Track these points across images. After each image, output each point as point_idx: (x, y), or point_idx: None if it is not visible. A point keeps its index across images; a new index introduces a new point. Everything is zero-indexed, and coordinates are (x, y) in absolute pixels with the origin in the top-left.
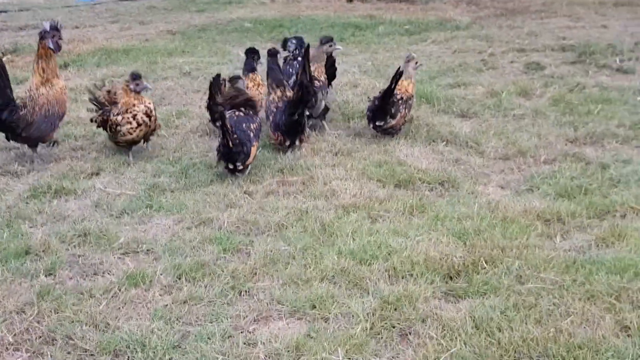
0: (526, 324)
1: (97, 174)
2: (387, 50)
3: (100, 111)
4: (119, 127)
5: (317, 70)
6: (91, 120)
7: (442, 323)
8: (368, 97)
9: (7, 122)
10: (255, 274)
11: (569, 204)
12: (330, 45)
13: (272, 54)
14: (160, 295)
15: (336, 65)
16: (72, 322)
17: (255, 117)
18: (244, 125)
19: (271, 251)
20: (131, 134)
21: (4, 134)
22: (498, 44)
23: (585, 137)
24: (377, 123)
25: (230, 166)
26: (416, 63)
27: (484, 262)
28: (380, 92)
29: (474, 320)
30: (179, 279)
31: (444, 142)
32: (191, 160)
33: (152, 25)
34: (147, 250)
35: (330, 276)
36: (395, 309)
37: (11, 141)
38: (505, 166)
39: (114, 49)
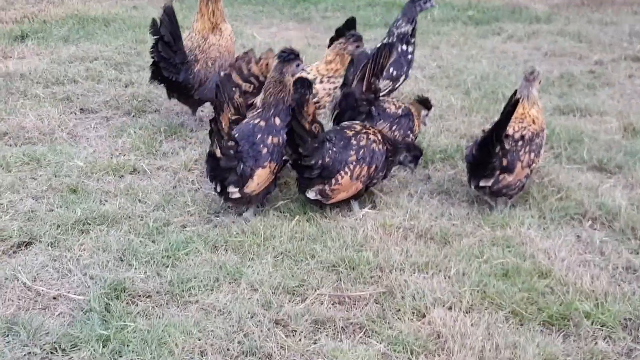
0: None
1: (29, 244)
2: (451, 45)
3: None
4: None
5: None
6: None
7: None
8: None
9: (184, 83)
10: None
11: None
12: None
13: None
14: None
15: None
16: None
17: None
18: (258, 136)
19: None
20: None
21: (169, 93)
22: (600, 47)
23: None
24: (480, 183)
25: (218, 188)
26: (540, 82)
27: None
28: (483, 131)
29: None
30: None
31: (590, 222)
32: (183, 230)
33: None
34: None
35: None
36: None
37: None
38: None
39: (90, 16)
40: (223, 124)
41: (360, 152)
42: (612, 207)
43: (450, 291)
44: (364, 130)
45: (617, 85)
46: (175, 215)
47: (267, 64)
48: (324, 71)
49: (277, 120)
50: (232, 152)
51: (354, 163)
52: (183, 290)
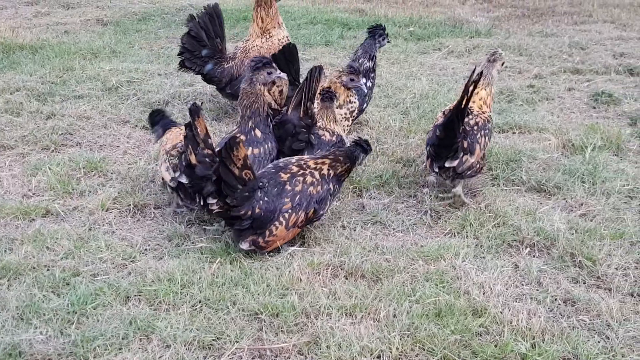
0: None
1: None
2: (391, 63)
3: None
4: None
5: None
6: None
7: None
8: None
9: (209, 76)
10: None
11: None
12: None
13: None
14: None
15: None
16: None
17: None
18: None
19: None
20: None
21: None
22: (540, 60)
23: None
24: (446, 164)
25: (202, 201)
26: (502, 64)
27: None
28: (444, 113)
29: None
30: None
31: (528, 249)
32: (94, 280)
33: (78, 11)
34: None
35: None
36: None
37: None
38: None
39: (17, 44)
40: (199, 130)
41: (296, 199)
42: (551, 231)
43: (379, 337)
44: (301, 172)
45: (557, 99)
46: (85, 263)
47: (280, 91)
48: None
49: (258, 133)
50: (207, 160)
51: (290, 211)
52: (87, 351)
